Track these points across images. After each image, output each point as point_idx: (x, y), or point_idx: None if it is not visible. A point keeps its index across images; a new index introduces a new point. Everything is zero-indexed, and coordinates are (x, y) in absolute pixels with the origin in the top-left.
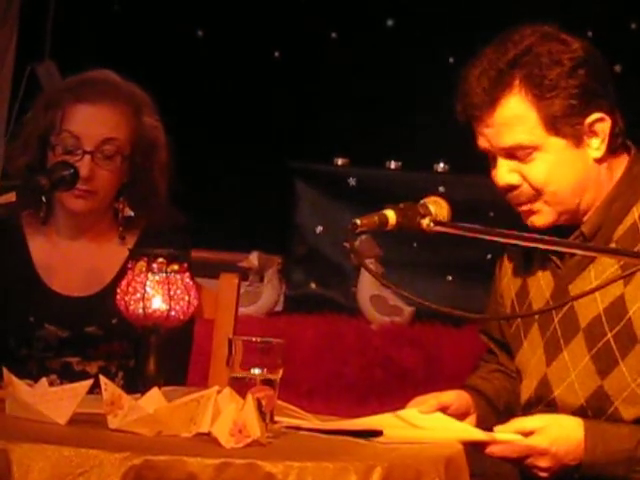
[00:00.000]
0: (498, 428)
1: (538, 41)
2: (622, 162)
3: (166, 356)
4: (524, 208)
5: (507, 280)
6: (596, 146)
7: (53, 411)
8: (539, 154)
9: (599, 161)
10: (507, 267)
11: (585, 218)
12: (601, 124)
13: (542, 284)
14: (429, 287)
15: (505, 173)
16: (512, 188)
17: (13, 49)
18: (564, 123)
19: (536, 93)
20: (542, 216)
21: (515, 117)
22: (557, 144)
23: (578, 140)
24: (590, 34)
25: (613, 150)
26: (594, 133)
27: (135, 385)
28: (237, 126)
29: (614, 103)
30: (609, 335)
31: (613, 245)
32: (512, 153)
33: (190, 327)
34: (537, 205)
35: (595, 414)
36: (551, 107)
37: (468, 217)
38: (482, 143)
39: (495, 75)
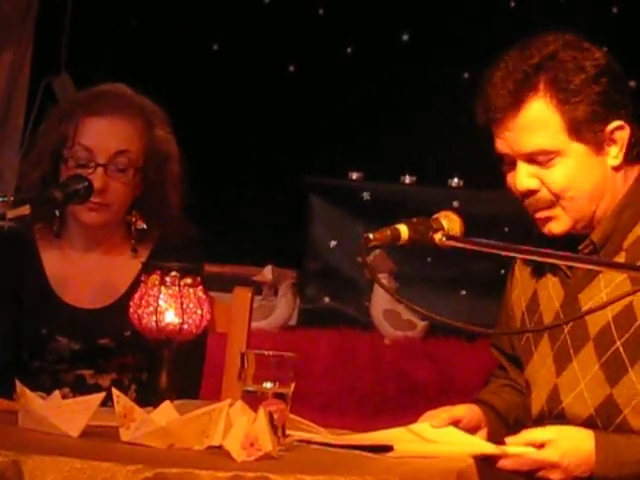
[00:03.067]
0: (509, 439)
1: (562, 47)
2: (635, 171)
3: (179, 369)
4: (541, 215)
5: (518, 292)
6: (614, 154)
7: (65, 423)
8: (560, 159)
9: (616, 169)
10: (517, 279)
11: (595, 226)
12: (620, 132)
13: (552, 294)
14: (443, 302)
15: (525, 178)
16: (531, 193)
17: (29, 62)
18: (587, 129)
19: (561, 98)
20: (559, 223)
21: (538, 121)
22: (578, 150)
23: (598, 147)
24: (606, 50)
25: (629, 159)
26: (613, 141)
27: (148, 398)
28: (251, 140)
29: (632, 113)
30: (618, 343)
31: (623, 254)
32: (532, 158)
33: (203, 340)
34: (554, 211)
35: (604, 424)
36: (575, 112)
37: (483, 232)
38: (502, 147)
39: (521, 78)
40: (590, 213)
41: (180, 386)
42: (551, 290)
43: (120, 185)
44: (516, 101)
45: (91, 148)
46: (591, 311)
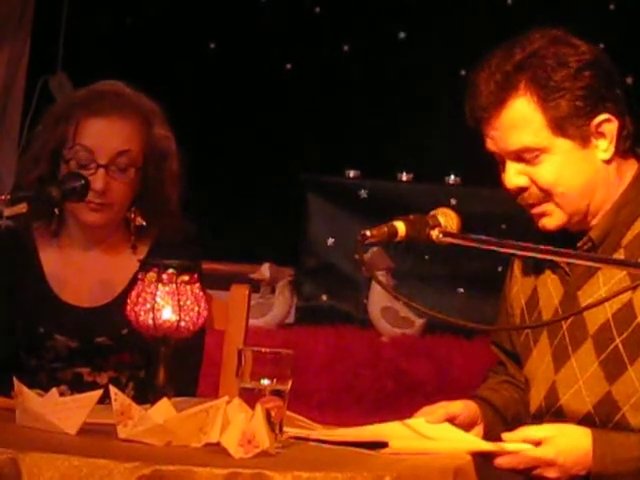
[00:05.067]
0: (506, 435)
1: (545, 44)
2: (632, 167)
3: (176, 367)
4: (535, 211)
5: (517, 289)
6: (604, 147)
7: (63, 421)
8: (546, 156)
9: (608, 162)
10: (517, 276)
11: (593, 222)
12: (608, 125)
13: (551, 291)
14: (440, 299)
15: (513, 176)
16: (521, 190)
17: (26, 61)
18: (570, 124)
19: (541, 95)
20: (553, 218)
21: (521, 119)
22: (564, 145)
23: (585, 141)
24: (602, 46)
25: (622, 153)
26: (601, 134)
27: (145, 396)
28: (249, 138)
29: (623, 106)
30: (617, 340)
31: (622, 251)
32: (519, 156)
33: (200, 338)
34: (548, 207)
35: (602, 421)
36: (557, 109)
37: (480, 229)
38: (490, 146)
39: (501, 78)
40: (584, 207)
41: (177, 383)
42: (550, 287)
43: (121, 185)
44: (498, 101)
45: (92, 149)
46: (590, 306)
